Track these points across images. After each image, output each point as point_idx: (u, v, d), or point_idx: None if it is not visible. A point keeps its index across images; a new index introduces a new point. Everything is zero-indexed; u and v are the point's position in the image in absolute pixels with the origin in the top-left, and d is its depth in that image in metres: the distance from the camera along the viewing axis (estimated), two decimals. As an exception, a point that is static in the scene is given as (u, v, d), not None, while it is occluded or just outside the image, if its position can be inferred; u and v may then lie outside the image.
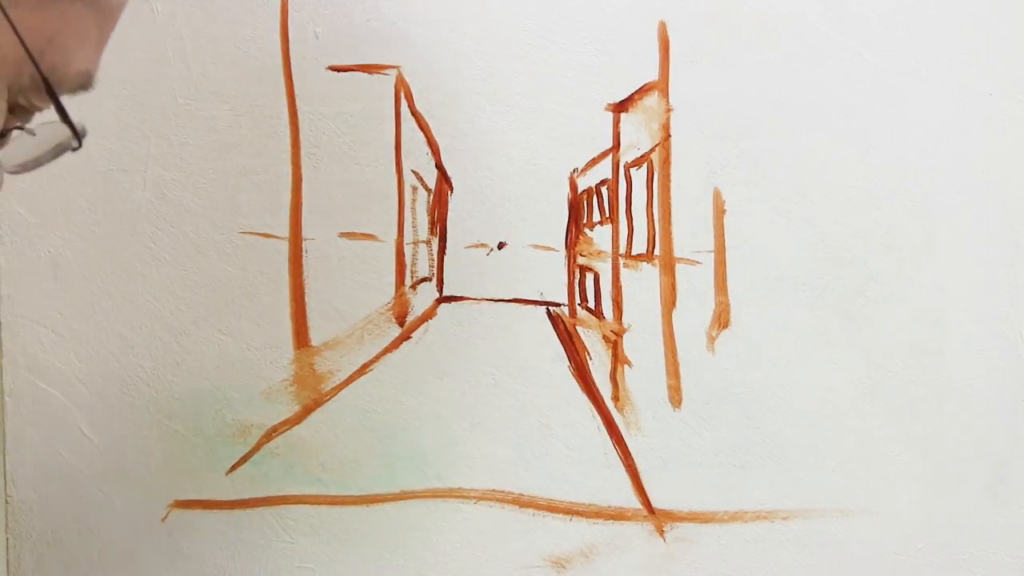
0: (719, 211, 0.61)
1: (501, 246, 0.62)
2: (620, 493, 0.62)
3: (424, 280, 0.62)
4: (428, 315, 0.62)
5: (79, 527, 0.63)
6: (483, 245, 0.62)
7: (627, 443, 0.62)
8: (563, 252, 0.62)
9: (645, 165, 0.62)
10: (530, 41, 0.61)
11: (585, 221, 0.62)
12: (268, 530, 0.63)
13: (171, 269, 0.62)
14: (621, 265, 0.62)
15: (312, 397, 0.62)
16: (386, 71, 0.61)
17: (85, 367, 0.62)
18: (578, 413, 0.62)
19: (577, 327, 0.62)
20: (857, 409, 0.61)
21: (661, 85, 0.61)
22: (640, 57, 0.61)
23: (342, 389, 0.62)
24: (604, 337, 0.62)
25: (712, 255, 0.61)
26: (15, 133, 0.39)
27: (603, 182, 0.62)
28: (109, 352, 0.62)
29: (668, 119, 0.61)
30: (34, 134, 0.40)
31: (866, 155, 0.61)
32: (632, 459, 0.62)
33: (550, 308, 0.62)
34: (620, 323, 0.62)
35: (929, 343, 0.61)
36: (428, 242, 0.62)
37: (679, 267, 0.62)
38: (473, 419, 0.62)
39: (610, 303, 0.62)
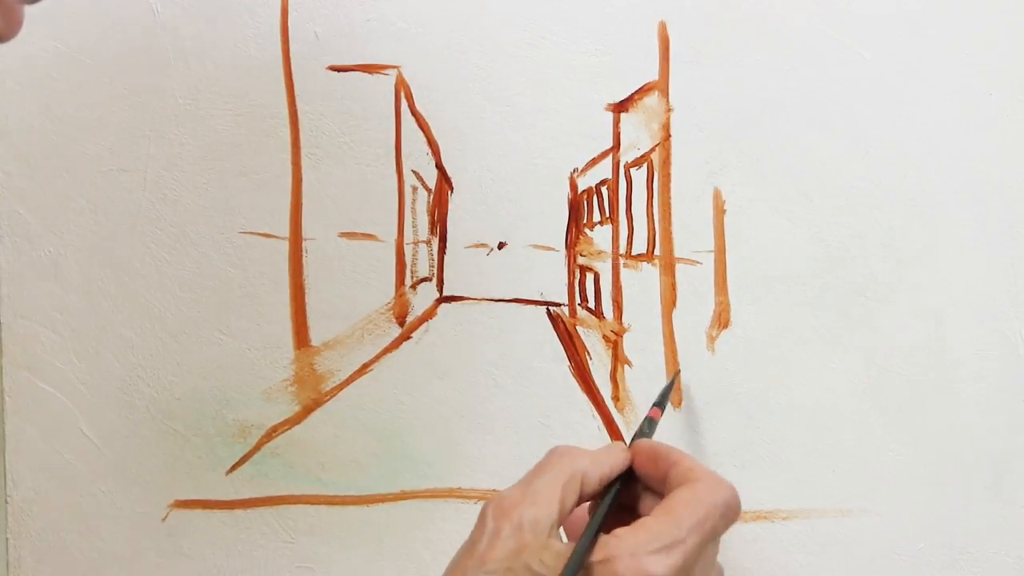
0: (719, 211, 0.61)
1: (501, 246, 0.62)
2: (620, 493, 0.62)
3: (424, 280, 0.62)
4: (428, 315, 0.62)
5: (79, 527, 0.63)
6: (483, 245, 0.62)
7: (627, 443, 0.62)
8: (563, 252, 0.62)
9: (645, 165, 0.62)
10: (530, 41, 0.61)
11: (585, 221, 0.62)
12: (268, 530, 0.63)
13: (171, 269, 0.62)
14: (621, 265, 0.62)
15: (312, 397, 0.62)
16: (386, 71, 0.61)
17: (85, 367, 0.63)
18: (578, 413, 0.62)
19: (577, 327, 0.62)
20: (857, 409, 0.61)
21: (661, 85, 0.61)
22: (640, 57, 0.61)
23: (342, 389, 0.62)
24: (604, 337, 0.62)
25: (712, 255, 0.61)
26: None
27: (603, 182, 0.62)
28: (109, 352, 0.62)
29: (668, 119, 0.61)
30: None
31: (866, 155, 0.61)
32: (632, 459, 0.62)
33: (550, 308, 0.62)
34: (620, 323, 0.62)
35: (929, 343, 0.61)
36: (428, 242, 0.62)
37: (679, 267, 0.62)
38: (473, 419, 0.62)
39: (610, 303, 0.62)
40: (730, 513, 0.43)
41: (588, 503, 0.45)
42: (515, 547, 0.39)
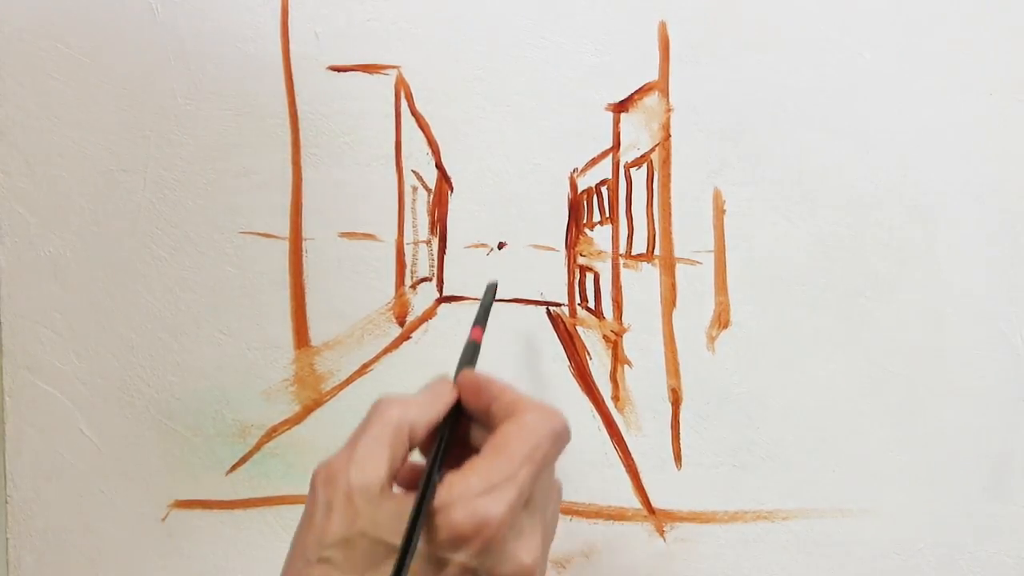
0: (719, 211, 0.61)
1: (501, 246, 0.62)
2: (620, 493, 0.62)
3: (424, 280, 0.62)
4: (428, 315, 0.62)
5: (79, 527, 0.63)
6: (483, 245, 0.62)
7: (627, 443, 0.62)
8: (563, 252, 0.62)
9: (645, 165, 0.62)
10: (530, 41, 0.61)
11: (585, 221, 0.62)
12: (268, 530, 0.63)
13: (171, 269, 0.62)
14: (621, 265, 0.62)
15: (312, 397, 0.62)
16: (386, 71, 0.62)
17: (85, 367, 0.63)
18: (578, 413, 0.62)
19: (577, 327, 0.62)
20: (857, 409, 0.61)
21: (661, 85, 0.61)
22: (640, 57, 0.61)
23: (342, 389, 0.62)
24: (604, 337, 0.62)
25: (712, 255, 0.61)
26: None
27: (603, 182, 0.62)
28: (109, 352, 0.62)
29: (668, 119, 0.61)
30: None
31: (866, 155, 0.61)
32: (632, 459, 0.62)
33: (550, 308, 0.62)
34: (620, 323, 0.62)
35: (929, 343, 0.61)
36: (428, 242, 0.62)
37: (679, 267, 0.62)
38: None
39: (610, 303, 0.62)
40: (560, 440, 0.42)
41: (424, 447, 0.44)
42: (349, 516, 0.38)
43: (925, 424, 0.61)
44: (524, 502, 0.40)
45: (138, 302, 0.62)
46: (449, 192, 0.62)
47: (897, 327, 0.61)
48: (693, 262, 0.62)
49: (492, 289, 0.55)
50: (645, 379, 0.62)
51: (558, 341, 0.62)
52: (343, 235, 0.62)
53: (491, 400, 0.43)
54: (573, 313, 0.62)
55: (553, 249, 0.62)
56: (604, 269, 0.62)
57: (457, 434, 0.45)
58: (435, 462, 0.41)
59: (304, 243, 0.62)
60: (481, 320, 0.51)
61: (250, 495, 0.62)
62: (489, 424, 0.43)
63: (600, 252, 0.62)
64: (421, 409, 0.43)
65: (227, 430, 0.62)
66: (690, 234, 0.62)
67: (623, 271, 0.62)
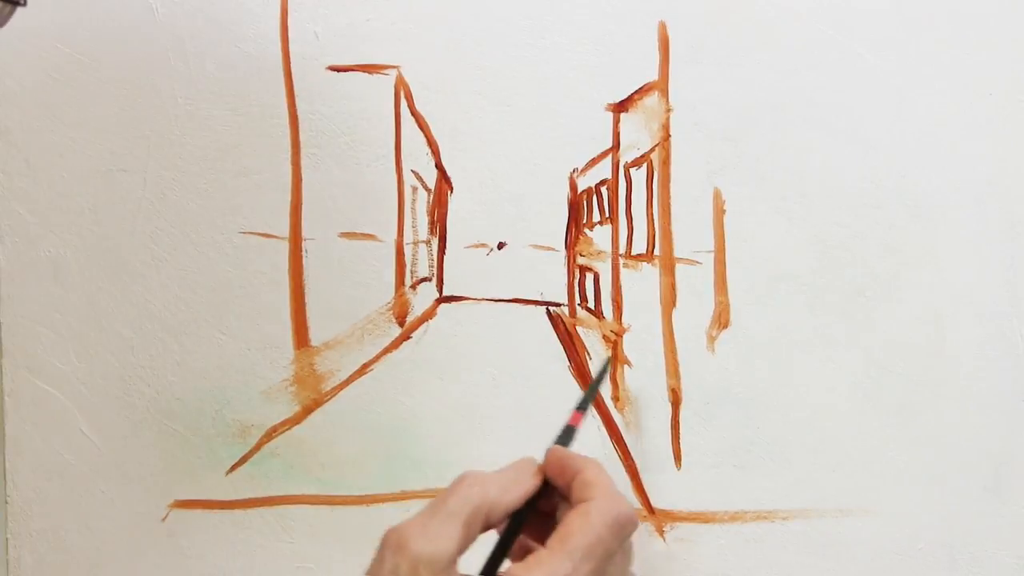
0: (719, 211, 0.61)
1: (501, 246, 0.62)
2: (620, 493, 0.62)
3: (424, 280, 0.62)
4: (428, 315, 0.62)
5: (79, 527, 0.63)
6: (483, 245, 0.62)
7: (627, 443, 0.62)
8: (563, 252, 0.62)
9: (645, 165, 0.62)
10: (530, 41, 0.61)
11: (585, 221, 0.62)
12: (268, 530, 0.63)
13: (171, 269, 0.62)
14: (621, 265, 0.62)
15: (312, 397, 0.62)
16: (386, 71, 0.62)
17: (85, 367, 0.63)
18: (578, 413, 0.62)
19: (577, 327, 0.62)
20: (857, 409, 0.61)
21: (661, 85, 0.61)
22: (640, 57, 0.61)
23: (342, 389, 0.62)
24: (604, 337, 0.62)
25: (712, 255, 0.61)
26: None
27: (603, 182, 0.62)
28: (109, 352, 0.62)
29: (668, 119, 0.61)
30: None
31: (866, 155, 0.61)
32: (632, 459, 0.62)
33: (550, 308, 0.62)
34: (620, 323, 0.62)
35: (929, 343, 0.61)
36: (428, 242, 0.62)
37: (679, 267, 0.62)
38: (473, 419, 0.62)
39: (610, 303, 0.62)
40: (623, 530, 0.42)
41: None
42: None
43: (925, 424, 0.61)
44: None
45: (138, 302, 0.62)
46: (449, 192, 0.62)
47: (897, 327, 0.61)
48: (693, 262, 0.62)
49: (605, 367, 0.53)
50: (645, 379, 0.62)
51: (558, 341, 0.62)
52: (343, 235, 0.62)
53: (574, 475, 0.44)
54: (573, 313, 0.62)
55: (553, 249, 0.62)
56: (604, 269, 0.62)
57: (546, 507, 0.45)
58: (501, 554, 0.42)
59: (304, 243, 0.62)
60: (584, 405, 0.50)
61: (250, 495, 0.62)
62: (570, 501, 0.43)
63: (600, 252, 0.62)
64: (502, 491, 0.43)
65: (227, 430, 0.62)
66: (690, 234, 0.62)
67: (623, 271, 0.62)
